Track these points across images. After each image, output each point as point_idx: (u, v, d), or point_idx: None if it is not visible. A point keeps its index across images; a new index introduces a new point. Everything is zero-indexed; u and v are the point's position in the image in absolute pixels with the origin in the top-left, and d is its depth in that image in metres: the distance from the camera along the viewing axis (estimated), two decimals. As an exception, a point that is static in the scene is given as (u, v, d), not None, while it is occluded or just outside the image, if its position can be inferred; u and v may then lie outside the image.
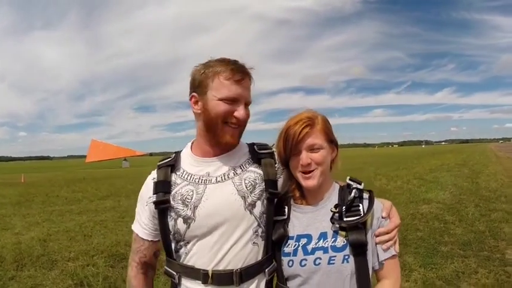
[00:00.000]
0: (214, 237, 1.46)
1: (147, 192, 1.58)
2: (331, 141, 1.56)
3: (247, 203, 1.48)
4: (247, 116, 1.50)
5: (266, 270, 1.52)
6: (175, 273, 1.53)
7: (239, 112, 1.45)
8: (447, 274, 4.77)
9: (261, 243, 1.52)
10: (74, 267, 5.50)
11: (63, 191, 16.99)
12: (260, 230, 1.51)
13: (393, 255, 1.49)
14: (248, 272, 1.47)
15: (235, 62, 1.48)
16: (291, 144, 1.49)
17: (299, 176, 1.52)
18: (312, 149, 1.49)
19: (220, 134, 1.48)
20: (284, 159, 1.55)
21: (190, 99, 1.53)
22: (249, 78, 1.50)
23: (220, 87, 1.44)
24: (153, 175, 1.60)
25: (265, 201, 1.52)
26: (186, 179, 1.54)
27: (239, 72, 1.45)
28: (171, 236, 1.52)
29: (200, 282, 1.46)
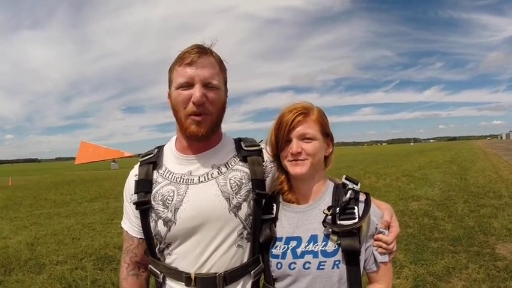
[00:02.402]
0: (196, 241, 1.39)
1: (129, 190, 1.52)
2: (327, 134, 1.49)
3: (232, 205, 1.40)
4: (202, 96, 1.33)
5: (252, 272, 1.45)
6: (159, 273, 1.47)
7: (194, 95, 1.32)
8: (438, 270, 4.79)
9: (247, 245, 1.45)
10: (62, 271, 5.41)
11: (51, 194, 16.76)
12: (246, 232, 1.44)
13: (387, 261, 1.45)
14: (232, 275, 1.41)
15: (192, 46, 1.39)
16: (282, 132, 1.43)
17: (288, 164, 1.45)
18: (303, 138, 1.42)
19: (185, 126, 1.38)
20: (275, 149, 1.48)
21: (168, 97, 1.46)
22: (208, 56, 1.38)
23: (176, 76, 1.37)
24: (135, 171, 1.53)
25: (251, 203, 1.44)
26: (168, 177, 1.46)
27: (191, 53, 1.34)
28: (152, 237, 1.47)
29: (184, 284, 1.40)
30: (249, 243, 1.46)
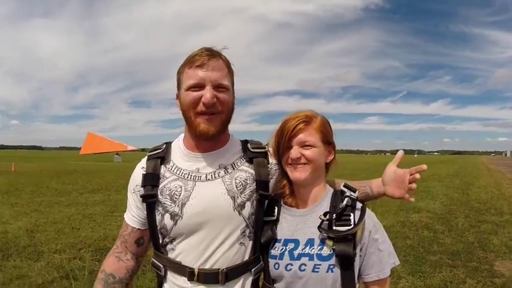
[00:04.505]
0: (200, 236, 1.43)
1: (134, 181, 1.54)
2: (328, 143, 1.54)
3: (236, 204, 1.44)
4: (213, 97, 1.36)
5: (252, 270, 1.49)
6: (161, 266, 1.49)
7: (204, 96, 1.35)
8: (435, 283, 4.78)
9: (249, 243, 1.49)
10: (60, 260, 5.44)
11: (53, 182, 16.86)
12: (248, 231, 1.48)
13: (387, 277, 1.46)
14: (234, 272, 1.44)
15: (201, 49, 1.42)
16: (284, 138, 1.47)
17: (288, 169, 1.50)
18: (303, 145, 1.47)
19: (194, 125, 1.41)
20: (277, 154, 1.54)
21: (176, 98, 1.50)
22: (217, 59, 1.41)
23: (186, 78, 1.40)
24: (143, 164, 1.55)
25: (255, 203, 1.49)
26: (175, 173, 1.49)
27: (201, 56, 1.38)
28: (157, 230, 1.49)
29: (186, 278, 1.43)
30: (251, 241, 1.49)
